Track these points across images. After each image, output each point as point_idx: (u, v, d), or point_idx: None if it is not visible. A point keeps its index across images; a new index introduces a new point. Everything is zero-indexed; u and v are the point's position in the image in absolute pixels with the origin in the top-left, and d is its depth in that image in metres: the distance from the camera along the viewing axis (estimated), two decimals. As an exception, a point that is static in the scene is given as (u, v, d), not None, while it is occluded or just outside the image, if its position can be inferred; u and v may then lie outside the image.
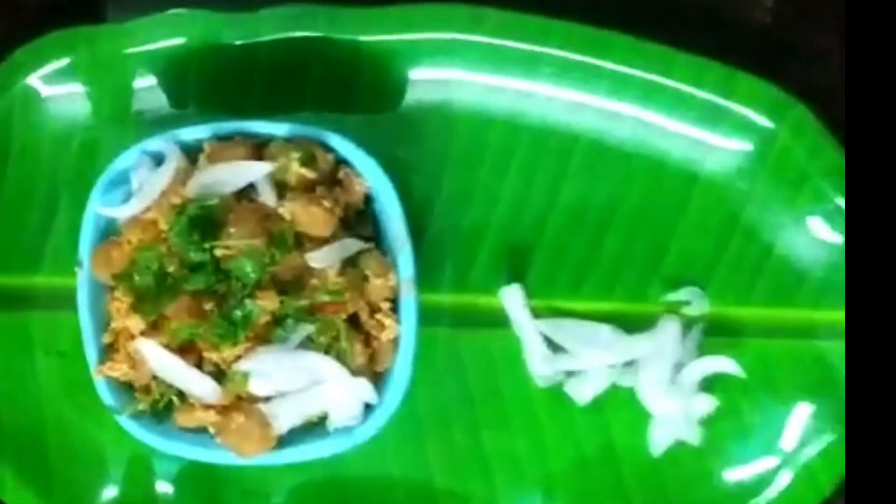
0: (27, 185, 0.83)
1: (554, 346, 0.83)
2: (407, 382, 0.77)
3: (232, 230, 0.74)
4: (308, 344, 0.76)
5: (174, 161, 0.77)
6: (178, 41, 0.82)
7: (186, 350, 0.76)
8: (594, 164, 0.83)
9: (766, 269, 0.83)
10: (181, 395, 0.77)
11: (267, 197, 0.76)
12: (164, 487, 0.84)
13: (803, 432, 0.82)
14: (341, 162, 0.78)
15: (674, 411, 0.82)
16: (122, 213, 0.77)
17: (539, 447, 0.83)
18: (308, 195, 0.75)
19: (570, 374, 0.83)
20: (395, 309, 0.77)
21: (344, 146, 0.78)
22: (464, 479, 0.84)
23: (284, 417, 0.76)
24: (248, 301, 0.74)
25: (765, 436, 0.83)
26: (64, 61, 0.82)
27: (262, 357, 0.75)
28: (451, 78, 0.82)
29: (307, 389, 0.76)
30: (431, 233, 0.83)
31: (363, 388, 0.76)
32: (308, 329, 0.75)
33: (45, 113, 0.83)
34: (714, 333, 0.83)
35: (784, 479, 0.83)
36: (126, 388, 0.78)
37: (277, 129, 0.77)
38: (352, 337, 0.76)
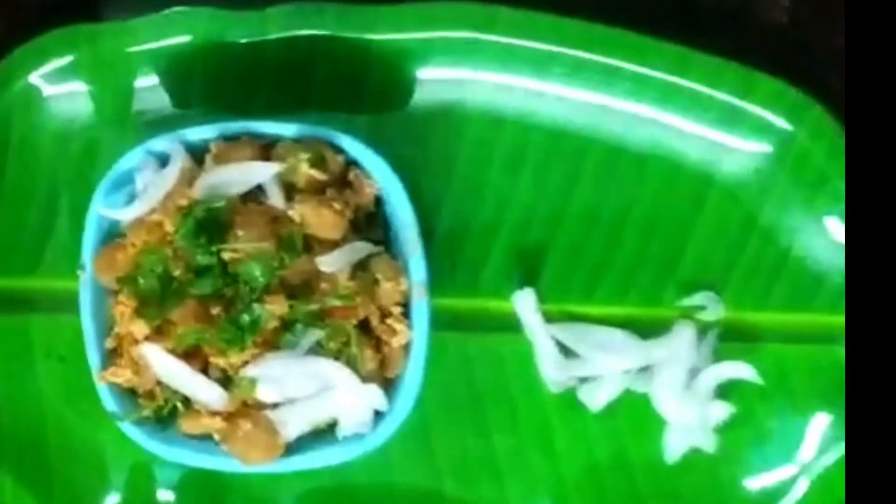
0: (27, 186, 0.83)
1: (567, 352, 0.82)
2: (418, 389, 0.76)
3: (239, 233, 0.74)
4: (317, 349, 0.75)
5: (180, 162, 0.76)
6: (182, 39, 0.81)
7: (192, 355, 0.75)
8: (608, 165, 0.82)
9: (784, 272, 0.82)
10: (186, 401, 0.76)
11: (275, 199, 0.75)
12: (166, 495, 0.83)
13: (821, 440, 0.82)
14: (350, 163, 0.78)
15: (689, 418, 0.81)
16: (126, 214, 0.76)
17: (551, 454, 0.83)
18: (318, 197, 0.75)
19: (583, 379, 0.83)
20: (405, 313, 0.77)
21: (354, 147, 0.77)
22: (474, 487, 0.83)
23: (293, 424, 0.75)
24: (256, 305, 0.73)
25: (782, 443, 0.82)
26: (65, 60, 0.82)
27: (271, 363, 0.74)
28: (463, 77, 0.81)
29: (316, 396, 0.75)
30: (441, 235, 0.82)
31: (374, 395, 0.75)
32: (318, 334, 0.75)
33: (45, 112, 0.82)
34: (730, 339, 0.83)
35: (801, 488, 0.82)
36: (129, 394, 0.77)
37: (285, 129, 0.77)
38: (362, 342, 0.75)
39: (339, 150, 0.77)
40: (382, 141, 0.78)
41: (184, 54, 0.81)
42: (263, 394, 0.74)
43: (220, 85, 0.82)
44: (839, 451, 0.81)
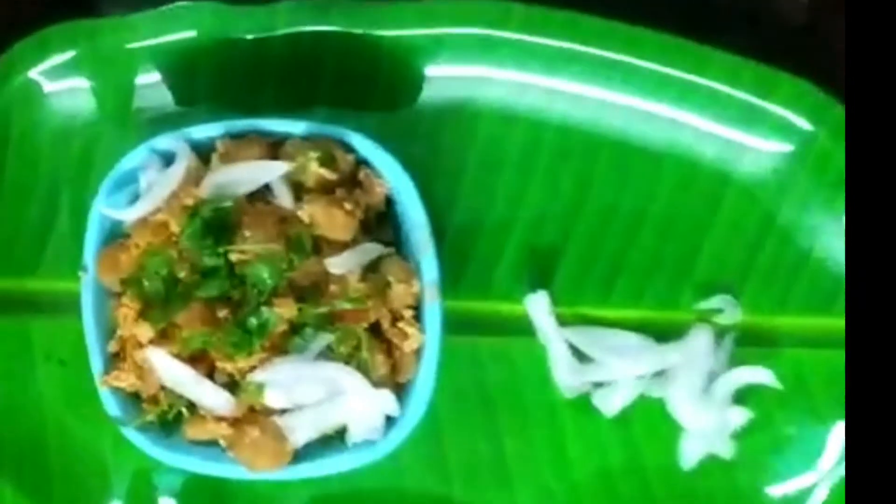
0: (28, 184, 0.82)
1: (580, 356, 0.82)
2: (431, 394, 0.75)
3: (247, 233, 0.73)
4: (327, 354, 0.74)
5: (185, 160, 0.75)
6: (186, 35, 0.81)
7: (198, 360, 0.75)
8: (623, 165, 0.81)
9: (803, 275, 0.82)
10: (191, 406, 0.75)
11: (284, 199, 0.74)
12: (169, 503, 0.82)
13: (841, 447, 0.81)
14: (360, 162, 0.77)
15: (706, 424, 0.81)
16: (130, 214, 0.75)
17: (564, 460, 0.82)
18: (328, 197, 0.74)
19: (597, 384, 0.82)
20: (417, 316, 0.76)
21: (365, 146, 0.76)
22: (485, 493, 0.82)
23: (301, 431, 0.74)
24: (264, 308, 0.73)
25: (801, 450, 0.82)
26: (66, 55, 0.81)
27: (279, 367, 0.73)
28: (475, 75, 0.81)
29: (326, 402, 0.74)
30: (452, 236, 0.81)
31: (385, 401, 0.74)
32: (327, 338, 0.74)
33: (46, 109, 0.81)
34: (747, 343, 0.82)
35: (820, 496, 0.81)
36: (132, 399, 0.77)
37: (294, 127, 0.76)
38: (373, 346, 0.74)
39: (349, 148, 0.76)
40: (392, 139, 0.77)
41: (188, 50, 0.80)
42: (271, 399, 0.73)
43: (225, 82, 0.81)
44: (860, 458, 0.81)
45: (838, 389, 0.80)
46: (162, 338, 0.74)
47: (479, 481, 0.82)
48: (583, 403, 0.82)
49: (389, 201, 0.77)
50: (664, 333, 0.81)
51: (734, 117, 0.80)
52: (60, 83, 0.81)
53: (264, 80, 0.81)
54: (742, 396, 0.81)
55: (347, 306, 0.73)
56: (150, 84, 0.81)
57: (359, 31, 0.80)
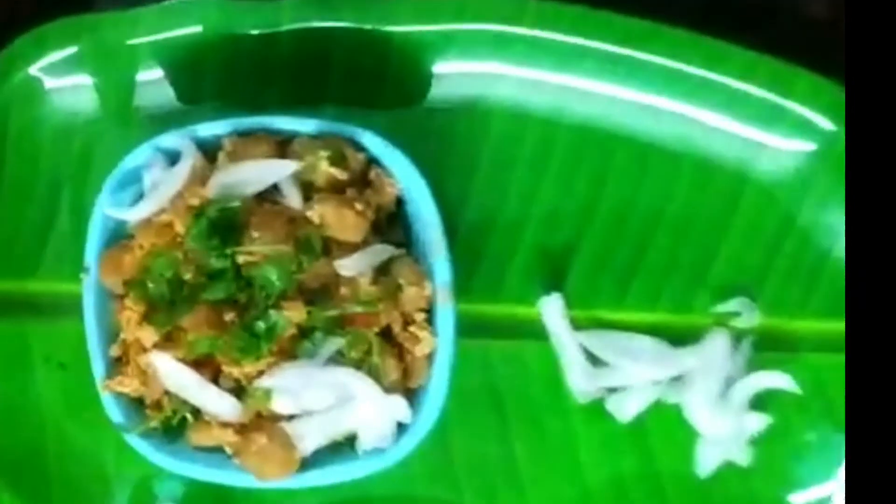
0: (28, 183, 0.81)
1: (595, 360, 0.81)
2: (443, 400, 0.74)
3: (255, 234, 0.72)
4: (337, 358, 0.73)
5: (191, 159, 0.74)
6: (191, 30, 0.80)
7: (203, 364, 0.74)
8: (639, 164, 0.81)
9: (823, 277, 0.81)
10: (196, 412, 0.74)
11: (292, 199, 0.74)
12: None
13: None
14: (371, 161, 0.76)
15: (723, 430, 0.80)
16: (134, 214, 0.75)
17: (577, 466, 0.81)
18: (338, 197, 0.73)
19: (611, 389, 0.81)
20: (428, 320, 0.75)
21: (376, 144, 0.75)
22: (496, 501, 0.81)
23: (310, 438, 0.73)
24: (272, 312, 0.72)
25: (820, 457, 0.81)
26: (67, 51, 0.80)
27: (287, 372, 0.72)
28: (487, 71, 0.80)
29: (335, 408, 0.73)
30: (464, 237, 0.80)
31: (397, 407, 0.73)
32: (337, 342, 0.73)
33: (47, 106, 0.81)
34: (766, 347, 0.81)
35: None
36: (135, 404, 0.76)
37: (303, 125, 0.75)
38: (385, 351, 0.73)
39: (359, 147, 0.75)
40: (402, 138, 0.76)
41: (192, 46, 0.80)
42: (279, 405, 0.73)
43: (231, 79, 0.80)
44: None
45: (859, 395, 0.80)
46: (166, 341, 0.73)
47: (490, 488, 0.81)
48: (596, 409, 0.81)
49: (399, 201, 0.76)
50: (680, 337, 0.81)
51: (753, 115, 0.79)
52: (62, 80, 0.80)
53: (271, 76, 0.80)
54: (760, 402, 0.80)
55: (358, 309, 0.73)
56: (154, 80, 0.80)
57: (368, 26, 0.79)
